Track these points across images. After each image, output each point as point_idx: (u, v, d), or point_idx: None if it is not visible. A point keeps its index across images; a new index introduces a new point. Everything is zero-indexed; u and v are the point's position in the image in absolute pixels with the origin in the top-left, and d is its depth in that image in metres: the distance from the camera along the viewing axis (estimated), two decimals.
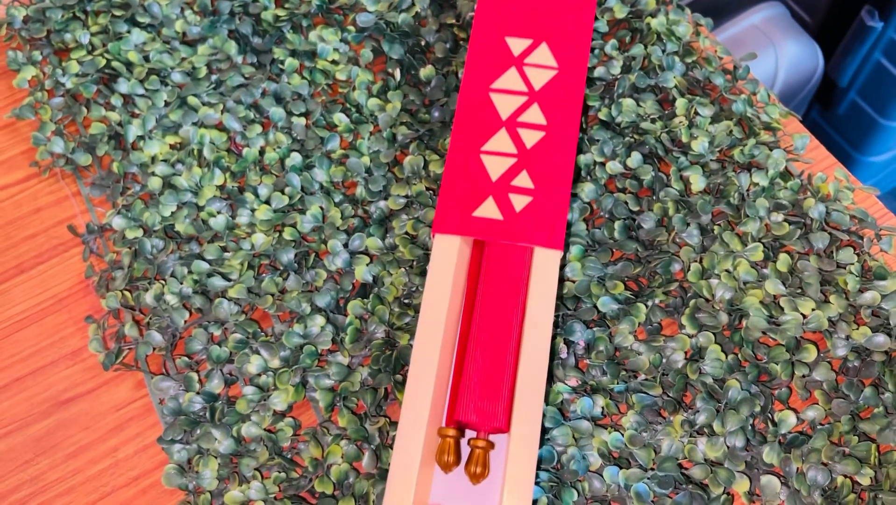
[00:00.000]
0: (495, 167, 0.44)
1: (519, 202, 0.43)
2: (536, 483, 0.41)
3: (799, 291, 0.45)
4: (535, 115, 0.45)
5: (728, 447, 0.41)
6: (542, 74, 0.46)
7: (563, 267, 0.47)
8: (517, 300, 0.41)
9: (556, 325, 0.45)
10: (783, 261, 0.46)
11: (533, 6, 0.48)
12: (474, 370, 0.40)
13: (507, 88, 0.46)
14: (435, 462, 0.39)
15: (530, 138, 0.44)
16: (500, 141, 0.44)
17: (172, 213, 0.49)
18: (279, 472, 0.42)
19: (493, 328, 0.41)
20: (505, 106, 0.45)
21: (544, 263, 0.42)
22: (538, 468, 0.40)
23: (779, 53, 0.99)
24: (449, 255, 0.42)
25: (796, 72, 1.01)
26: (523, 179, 0.44)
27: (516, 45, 0.47)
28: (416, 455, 0.36)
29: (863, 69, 1.06)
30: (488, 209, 0.43)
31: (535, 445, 0.37)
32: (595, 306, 0.45)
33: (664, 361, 0.43)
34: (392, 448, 0.39)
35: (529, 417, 0.38)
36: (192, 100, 0.53)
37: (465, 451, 0.40)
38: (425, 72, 0.54)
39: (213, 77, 0.54)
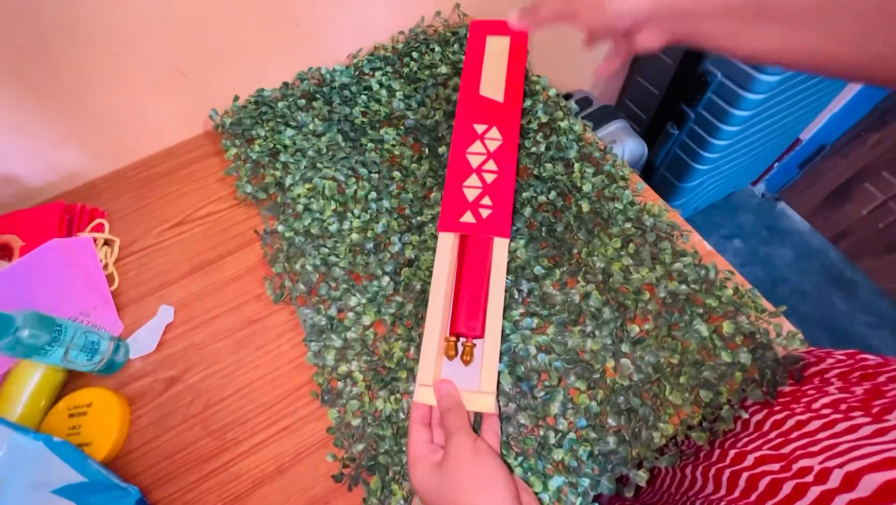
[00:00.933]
0: (470, 195, 0.43)
1: (484, 213, 0.43)
2: (500, 362, 0.41)
3: (640, 262, 0.45)
4: (490, 165, 0.45)
5: (603, 344, 0.41)
6: (493, 143, 0.45)
7: (515, 251, 0.46)
8: (486, 266, 0.41)
9: (511, 281, 0.44)
10: (631, 247, 0.46)
11: (487, 107, 0.47)
12: (463, 304, 0.39)
13: (475, 151, 0.45)
14: (444, 354, 0.39)
15: (489, 178, 0.44)
16: (472, 180, 0.44)
17: (309, 223, 0.50)
18: (366, 356, 0.42)
19: (473, 281, 0.40)
20: (474, 161, 0.45)
21: (500, 245, 0.42)
22: (501, 355, 0.40)
23: (624, 147, 1.00)
24: (447, 243, 0.42)
25: (632, 157, 1.03)
26: (486, 201, 0.43)
27: (479, 127, 0.46)
28: (434, 350, 0.37)
29: (668, 156, 1.07)
30: (467, 217, 0.42)
31: (497, 344, 0.37)
32: (532, 271, 0.45)
33: (569, 299, 0.44)
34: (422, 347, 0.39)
35: (494, 330, 0.38)
36: (318, 165, 0.53)
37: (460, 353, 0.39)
38: (441, 150, 0.54)
39: (329, 153, 0.54)
